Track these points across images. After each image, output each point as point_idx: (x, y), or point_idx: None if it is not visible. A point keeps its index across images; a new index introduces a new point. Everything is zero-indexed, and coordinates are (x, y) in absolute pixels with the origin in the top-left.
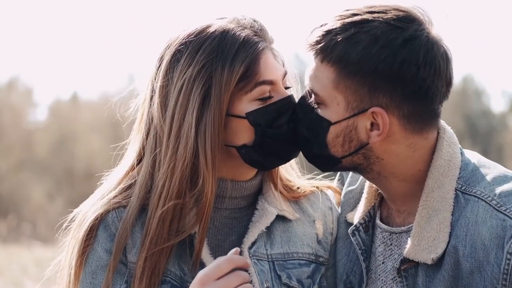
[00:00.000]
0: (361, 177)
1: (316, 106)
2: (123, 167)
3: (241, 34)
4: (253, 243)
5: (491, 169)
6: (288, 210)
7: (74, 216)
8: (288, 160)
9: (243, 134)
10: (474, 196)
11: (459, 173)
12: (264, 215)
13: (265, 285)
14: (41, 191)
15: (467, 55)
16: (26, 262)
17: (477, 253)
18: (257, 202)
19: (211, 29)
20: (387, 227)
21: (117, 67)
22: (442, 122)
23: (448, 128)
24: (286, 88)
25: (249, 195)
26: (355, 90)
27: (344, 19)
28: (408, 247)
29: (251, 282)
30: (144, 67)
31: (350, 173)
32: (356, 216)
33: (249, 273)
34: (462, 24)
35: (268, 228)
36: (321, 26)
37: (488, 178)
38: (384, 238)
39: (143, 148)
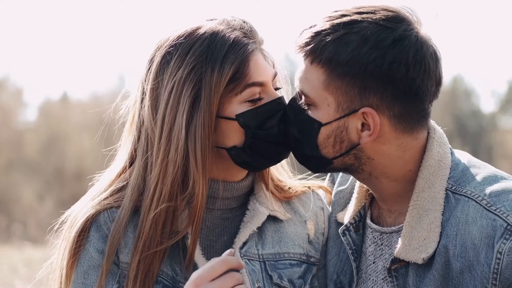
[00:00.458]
0: (352, 177)
1: (306, 108)
2: (114, 168)
3: (231, 35)
4: (244, 243)
5: (481, 169)
6: (279, 211)
7: (65, 218)
8: (278, 162)
9: (233, 135)
10: (464, 196)
11: (450, 173)
12: (256, 215)
13: (256, 285)
14: (31, 192)
15: (457, 56)
16: (16, 262)
17: (467, 253)
18: (248, 202)
19: (201, 31)
20: (378, 227)
21: (107, 67)
22: (432, 122)
23: (438, 128)
24: (276, 89)
25: (240, 195)
26: (346, 91)
27: (333, 20)
28: (399, 247)
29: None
30: (135, 67)
31: (341, 173)
32: (347, 216)
33: (240, 273)
34: (451, 24)
35: (259, 228)
36: (310, 27)
37: (478, 178)
38: (375, 238)
39: (135, 150)
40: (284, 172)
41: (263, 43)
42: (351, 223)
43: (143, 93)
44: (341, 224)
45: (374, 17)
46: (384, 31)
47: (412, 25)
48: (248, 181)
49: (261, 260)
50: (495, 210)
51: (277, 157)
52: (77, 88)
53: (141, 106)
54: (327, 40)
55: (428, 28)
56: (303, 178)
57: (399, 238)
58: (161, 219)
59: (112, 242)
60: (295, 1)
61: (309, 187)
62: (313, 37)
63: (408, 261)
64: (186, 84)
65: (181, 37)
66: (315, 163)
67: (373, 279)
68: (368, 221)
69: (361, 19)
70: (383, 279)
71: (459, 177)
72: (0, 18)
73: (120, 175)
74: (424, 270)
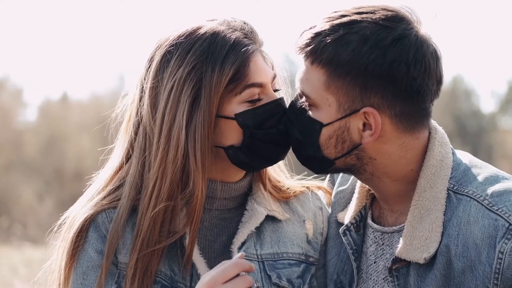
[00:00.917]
0: (352, 177)
1: (307, 108)
2: (110, 167)
3: (231, 36)
4: (243, 244)
5: (482, 169)
6: (278, 210)
7: (63, 220)
8: (275, 162)
9: (232, 135)
10: (466, 195)
11: (451, 173)
12: (254, 215)
13: (255, 285)
14: (31, 192)
15: (457, 56)
16: (16, 262)
17: (469, 253)
18: (246, 202)
19: (202, 31)
20: (379, 226)
21: (107, 67)
22: (434, 122)
23: (440, 128)
24: (275, 90)
25: (238, 196)
26: (347, 91)
27: (333, 20)
28: (400, 247)
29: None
30: (135, 67)
31: (341, 173)
32: (347, 216)
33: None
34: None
35: (258, 228)
36: (310, 28)
37: (480, 178)
38: (376, 238)
39: (131, 148)
40: (281, 173)
41: (263, 45)
42: (352, 223)
43: (142, 91)
44: (342, 224)
45: (374, 17)
46: (384, 30)
47: (412, 24)
48: (246, 181)
49: (259, 260)
50: (497, 210)
51: (274, 157)
52: (77, 88)
53: (140, 105)
54: (327, 40)
55: (428, 27)
56: (302, 179)
57: (401, 238)
58: (160, 218)
59: (111, 241)
60: (295, 2)
61: (307, 187)
62: (313, 38)
63: (410, 261)
64: (186, 83)
65: (182, 36)
66: (317, 164)
67: (373, 279)
68: (369, 221)
69: (361, 19)
70: (383, 279)
71: (460, 177)
72: (0, 18)
73: (117, 173)
74: (426, 270)
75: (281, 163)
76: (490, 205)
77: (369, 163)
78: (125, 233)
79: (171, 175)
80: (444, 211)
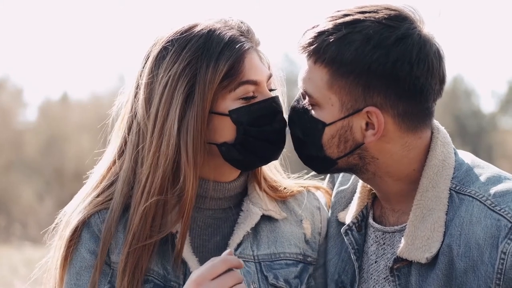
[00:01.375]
0: (353, 176)
1: (310, 108)
2: (104, 163)
3: (227, 33)
4: (239, 245)
5: (485, 169)
6: (274, 210)
7: (59, 218)
8: (268, 161)
9: (225, 131)
10: (468, 195)
11: (453, 173)
12: (249, 216)
13: (252, 286)
14: (31, 192)
15: (457, 56)
16: (16, 262)
17: (471, 253)
18: (242, 203)
19: (198, 28)
20: (380, 226)
21: (107, 67)
22: (436, 122)
23: (442, 128)
24: (271, 90)
25: (232, 196)
26: (349, 91)
27: (336, 20)
28: (402, 246)
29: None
30: (135, 67)
31: (342, 172)
32: (349, 216)
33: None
34: (452, 24)
35: (254, 228)
36: (313, 27)
37: (482, 178)
38: (377, 238)
39: (124, 144)
40: (278, 173)
41: (259, 45)
42: (353, 223)
43: (138, 87)
44: (342, 223)
45: (377, 16)
46: (387, 29)
47: (415, 23)
48: (240, 181)
49: (256, 261)
50: (499, 210)
51: (268, 156)
52: (77, 88)
53: (135, 100)
54: (330, 40)
55: (431, 26)
56: (300, 177)
57: (402, 238)
58: (151, 213)
59: (105, 238)
60: (295, 1)
61: (305, 187)
62: (316, 37)
63: (411, 261)
64: (180, 79)
65: (178, 33)
66: (319, 163)
67: (374, 279)
68: (371, 220)
69: (364, 18)
70: (384, 278)
71: (463, 177)
72: (0, 18)
73: (110, 169)
74: (427, 270)
75: (277, 163)
76: (493, 205)
77: (372, 163)
78: (117, 233)
79: (162, 169)
80: (446, 211)
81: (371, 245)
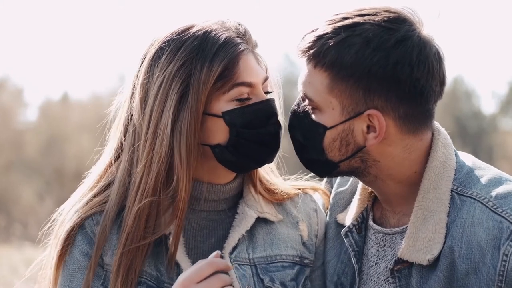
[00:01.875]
0: (352, 178)
1: (310, 112)
2: (101, 164)
3: (223, 35)
4: (234, 248)
5: (485, 171)
6: (270, 212)
7: (56, 217)
8: (263, 164)
9: (218, 133)
10: (470, 197)
11: (455, 175)
12: (244, 218)
13: None
14: (31, 192)
15: (457, 57)
16: (16, 262)
17: (473, 254)
18: (238, 206)
19: (194, 29)
20: (381, 228)
21: (107, 67)
22: (437, 124)
23: (443, 130)
24: (267, 93)
25: (227, 198)
26: (350, 94)
27: (335, 23)
28: (403, 248)
29: (232, 286)
30: (134, 67)
31: None
32: (349, 217)
33: (229, 275)
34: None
35: (250, 231)
36: (312, 31)
37: (483, 180)
38: (377, 239)
39: (121, 144)
40: (273, 175)
41: (257, 47)
42: (354, 225)
43: (134, 87)
44: (341, 225)
45: (376, 19)
46: (386, 32)
47: (414, 25)
48: (235, 184)
49: (252, 264)
50: (501, 212)
51: (262, 158)
52: (77, 88)
53: (131, 101)
54: (330, 43)
55: (430, 28)
56: (298, 178)
57: (403, 239)
58: (145, 213)
59: (99, 239)
60: (295, 2)
61: (302, 190)
62: (315, 41)
63: (412, 262)
64: (175, 80)
65: (174, 33)
66: (321, 167)
67: (374, 280)
68: (371, 222)
69: (363, 21)
70: (385, 280)
71: (464, 178)
72: (0, 18)
73: (107, 170)
74: (428, 272)
75: (272, 165)
76: (495, 207)
77: (373, 166)
78: (111, 235)
79: (156, 170)
80: (448, 213)
81: (371, 247)
